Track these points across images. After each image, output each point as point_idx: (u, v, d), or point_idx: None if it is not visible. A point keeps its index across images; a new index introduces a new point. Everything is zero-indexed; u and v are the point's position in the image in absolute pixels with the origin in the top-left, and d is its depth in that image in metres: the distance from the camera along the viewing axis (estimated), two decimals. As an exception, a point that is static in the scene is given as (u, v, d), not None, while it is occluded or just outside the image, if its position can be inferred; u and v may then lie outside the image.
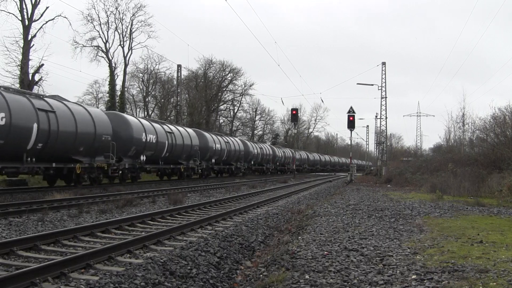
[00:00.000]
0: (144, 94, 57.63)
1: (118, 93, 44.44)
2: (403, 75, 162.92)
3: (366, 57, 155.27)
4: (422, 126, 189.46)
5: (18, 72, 31.05)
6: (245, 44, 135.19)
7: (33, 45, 31.83)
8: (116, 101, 42.91)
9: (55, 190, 17.10)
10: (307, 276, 5.31)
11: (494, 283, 4.76)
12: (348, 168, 53.48)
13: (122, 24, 44.10)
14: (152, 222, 10.31)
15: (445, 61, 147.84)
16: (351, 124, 34.25)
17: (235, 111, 72.03)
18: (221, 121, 71.03)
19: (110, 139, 20.81)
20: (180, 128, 30.53)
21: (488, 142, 27.70)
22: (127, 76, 47.79)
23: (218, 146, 36.02)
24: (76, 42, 41.44)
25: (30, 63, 31.74)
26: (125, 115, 26.04)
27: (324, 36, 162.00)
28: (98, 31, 42.95)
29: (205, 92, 59.90)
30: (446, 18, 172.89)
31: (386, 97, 43.66)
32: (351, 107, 33.84)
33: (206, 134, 35.17)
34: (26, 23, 31.53)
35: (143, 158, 24.56)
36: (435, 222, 9.80)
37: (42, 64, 31.80)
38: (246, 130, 76.92)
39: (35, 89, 31.13)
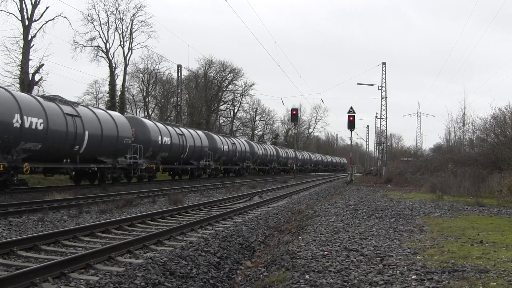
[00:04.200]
0: (144, 94, 57.62)
1: (118, 93, 44.45)
2: (404, 75, 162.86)
3: (366, 57, 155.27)
4: (422, 126, 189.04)
5: (18, 72, 31.02)
6: (245, 44, 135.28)
7: (33, 45, 31.86)
8: (116, 101, 42.92)
9: (55, 190, 17.13)
10: (307, 276, 5.31)
11: (494, 283, 4.76)
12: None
13: (122, 24, 44.19)
14: (152, 222, 10.30)
15: (445, 61, 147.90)
16: (351, 124, 34.26)
17: (235, 111, 72.18)
18: (221, 121, 71.14)
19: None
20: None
21: (488, 142, 27.71)
22: (127, 76, 47.86)
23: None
24: (76, 42, 41.48)
25: (30, 63, 31.76)
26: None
27: (325, 35, 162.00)
28: (98, 31, 43.02)
29: (205, 92, 59.91)
30: (446, 18, 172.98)
31: (386, 97, 43.66)
32: (351, 107, 33.86)
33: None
34: (26, 23, 31.52)
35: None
36: (435, 222, 9.80)
37: (42, 64, 31.78)
38: (246, 130, 77.01)
39: (35, 89, 31.16)
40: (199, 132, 34.04)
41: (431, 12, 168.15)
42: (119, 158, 21.82)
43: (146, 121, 26.66)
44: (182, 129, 30.88)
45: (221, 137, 38.03)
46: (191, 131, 32.32)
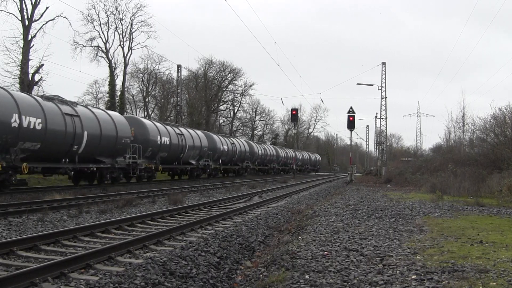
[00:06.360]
0: (144, 94, 57.63)
1: (118, 93, 44.44)
2: (403, 75, 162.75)
3: (366, 58, 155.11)
4: (422, 126, 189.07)
5: (18, 72, 30.99)
6: (245, 44, 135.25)
7: (33, 45, 31.81)
8: (116, 101, 42.91)
9: (54, 190, 17.13)
10: (307, 276, 5.31)
11: (494, 283, 4.76)
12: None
13: (122, 24, 44.18)
14: (152, 222, 10.30)
15: (445, 61, 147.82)
16: (351, 124, 34.31)
17: (235, 111, 72.21)
18: (221, 121, 71.16)
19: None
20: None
21: (488, 142, 27.74)
22: (127, 76, 47.87)
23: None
24: (76, 42, 41.45)
25: (30, 63, 31.73)
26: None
27: (325, 35, 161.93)
28: (98, 31, 43.01)
29: (205, 92, 59.92)
30: (446, 18, 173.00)
31: (386, 97, 43.67)
32: (351, 107, 33.95)
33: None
34: (26, 23, 31.49)
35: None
36: (435, 222, 9.80)
37: (42, 64, 31.75)
38: (246, 130, 77.04)
39: (35, 89, 31.12)
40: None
41: (431, 12, 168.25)
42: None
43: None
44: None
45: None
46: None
